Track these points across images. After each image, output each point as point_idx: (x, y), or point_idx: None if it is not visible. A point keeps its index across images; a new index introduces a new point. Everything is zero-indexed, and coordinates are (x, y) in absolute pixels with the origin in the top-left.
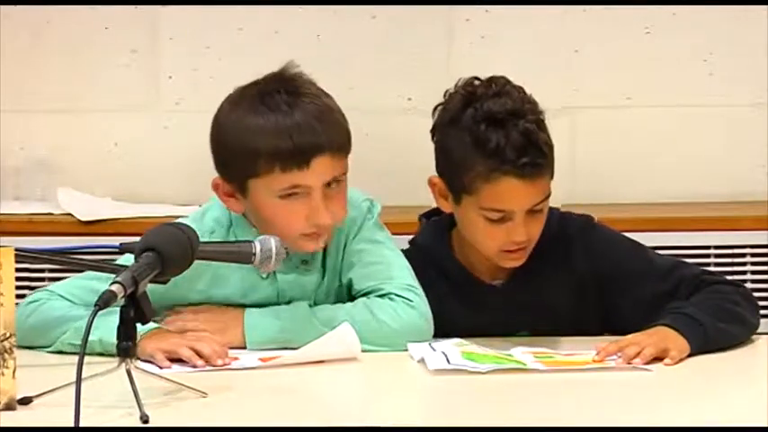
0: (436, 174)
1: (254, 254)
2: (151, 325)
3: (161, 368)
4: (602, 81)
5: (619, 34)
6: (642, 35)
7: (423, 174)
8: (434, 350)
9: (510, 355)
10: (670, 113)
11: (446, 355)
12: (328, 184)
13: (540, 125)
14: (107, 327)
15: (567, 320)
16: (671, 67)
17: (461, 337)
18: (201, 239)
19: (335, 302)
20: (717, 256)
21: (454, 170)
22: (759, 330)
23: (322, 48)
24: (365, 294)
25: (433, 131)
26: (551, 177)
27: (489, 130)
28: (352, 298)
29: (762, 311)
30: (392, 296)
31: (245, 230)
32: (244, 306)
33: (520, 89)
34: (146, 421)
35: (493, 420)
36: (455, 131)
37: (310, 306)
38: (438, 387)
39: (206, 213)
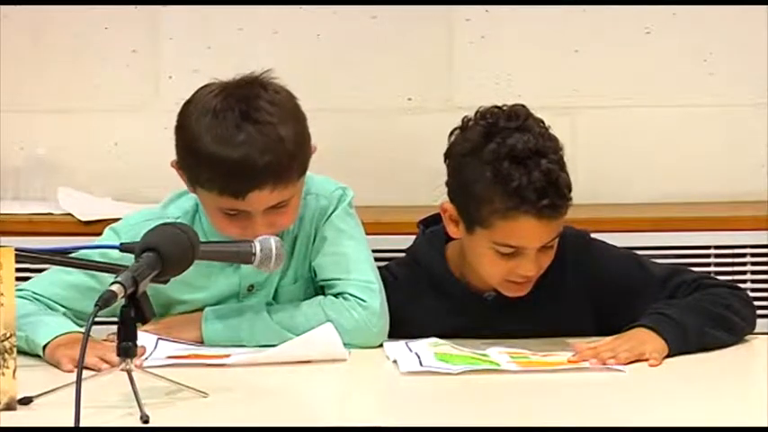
0: (447, 197)
1: (254, 254)
2: (67, 328)
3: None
4: (602, 81)
5: (619, 34)
6: (642, 35)
7: (423, 174)
8: (410, 350)
9: (485, 355)
10: (670, 113)
11: (419, 357)
12: (273, 206)
13: (561, 164)
14: (34, 326)
15: (560, 334)
16: (671, 67)
17: None
18: (183, 222)
19: (305, 289)
20: (717, 256)
21: (470, 202)
22: (758, 330)
23: (322, 48)
24: (323, 286)
25: (447, 155)
26: (566, 213)
27: (512, 168)
28: (320, 287)
29: (762, 311)
30: (346, 295)
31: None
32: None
33: (540, 122)
34: (146, 421)
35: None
36: (475, 163)
37: (270, 304)
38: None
39: (171, 203)
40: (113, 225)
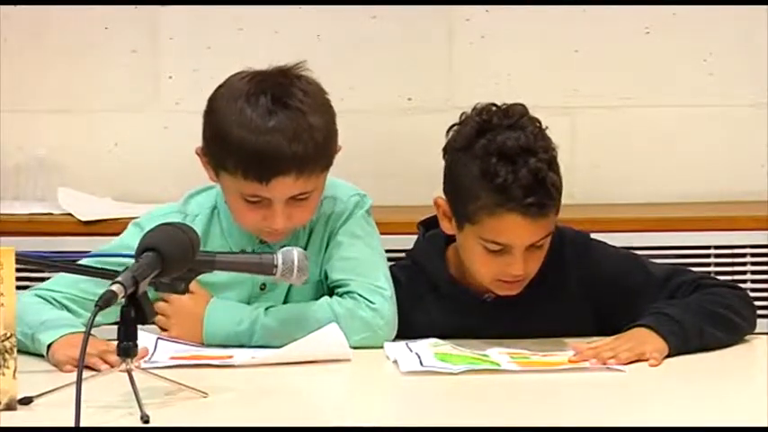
0: (442, 193)
1: (276, 266)
2: (72, 328)
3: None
4: (601, 81)
5: (619, 34)
6: (642, 35)
7: (423, 174)
8: (410, 351)
9: (485, 356)
10: (670, 113)
11: (419, 357)
12: (293, 197)
13: (552, 164)
14: (41, 325)
15: (560, 334)
16: (671, 67)
17: None
18: (184, 222)
19: (316, 291)
20: (717, 256)
21: (459, 197)
22: (758, 330)
23: (322, 48)
24: (335, 286)
25: (445, 151)
26: (556, 215)
27: (499, 165)
28: (331, 290)
29: (762, 311)
30: (355, 295)
31: (229, 216)
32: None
33: (536, 121)
34: (146, 421)
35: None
36: (466, 159)
37: (284, 303)
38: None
39: (190, 199)
40: (136, 220)
